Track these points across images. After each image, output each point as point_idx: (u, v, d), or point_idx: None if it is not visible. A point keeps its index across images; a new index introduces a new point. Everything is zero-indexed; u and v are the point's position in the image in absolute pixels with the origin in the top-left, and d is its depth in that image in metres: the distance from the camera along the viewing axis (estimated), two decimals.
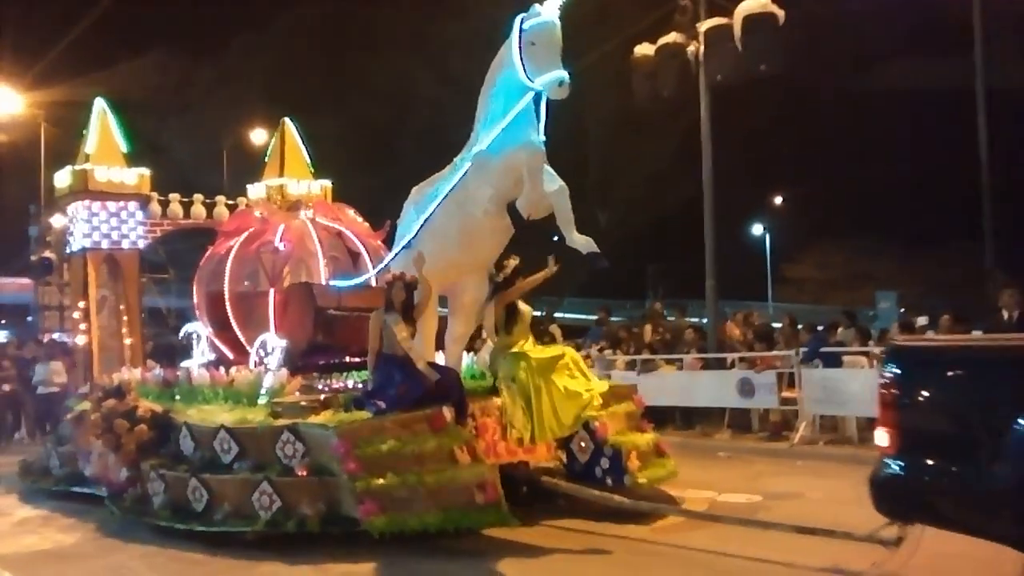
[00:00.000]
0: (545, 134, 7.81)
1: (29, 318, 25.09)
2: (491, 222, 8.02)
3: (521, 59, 7.54)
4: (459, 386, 7.95)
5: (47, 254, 19.88)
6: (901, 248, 33.31)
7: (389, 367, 7.83)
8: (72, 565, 7.43)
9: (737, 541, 6.92)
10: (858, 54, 31.34)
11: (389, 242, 9.86)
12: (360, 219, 11.09)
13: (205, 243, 11.93)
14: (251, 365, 9.79)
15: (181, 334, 11.63)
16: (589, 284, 25.86)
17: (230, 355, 10.77)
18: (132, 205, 12.09)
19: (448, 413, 7.54)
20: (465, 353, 9.46)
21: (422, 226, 8.51)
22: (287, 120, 13.38)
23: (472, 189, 8.05)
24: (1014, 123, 22.83)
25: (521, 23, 7.60)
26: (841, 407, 11.79)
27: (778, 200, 40.04)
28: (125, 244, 12.05)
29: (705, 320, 15.95)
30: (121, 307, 12.08)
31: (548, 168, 7.57)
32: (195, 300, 11.14)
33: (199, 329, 11.20)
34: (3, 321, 33.65)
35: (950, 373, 4.83)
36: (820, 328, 14.25)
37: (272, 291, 10.25)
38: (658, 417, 10.47)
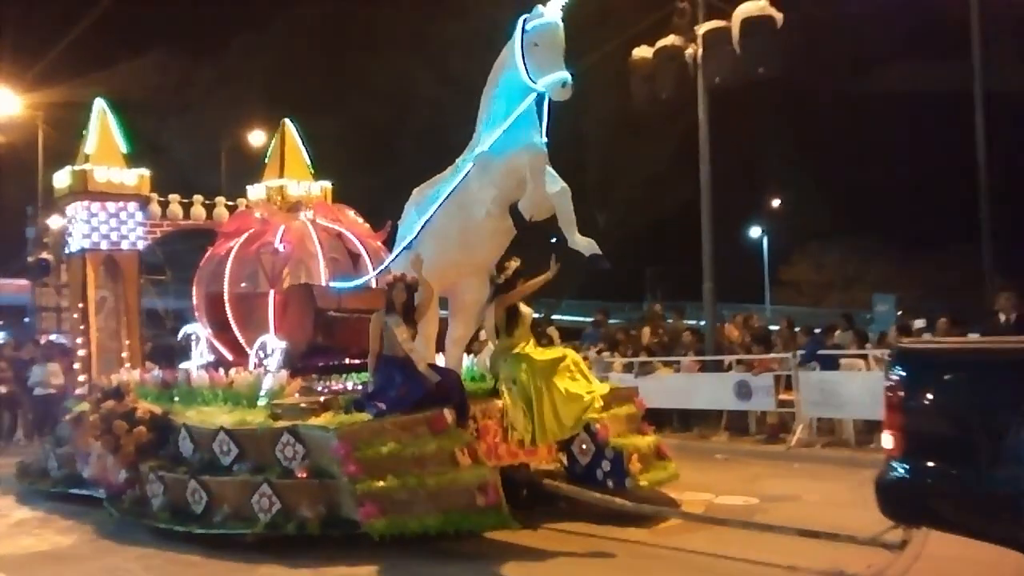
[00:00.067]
0: (545, 135, 7.80)
1: (26, 319, 25.04)
2: (493, 223, 8.00)
3: (524, 60, 7.54)
4: (460, 388, 7.94)
5: (44, 255, 19.79)
6: (899, 251, 33.36)
7: (390, 369, 7.81)
8: (68, 566, 7.40)
9: (737, 544, 6.91)
10: (856, 57, 31.40)
11: (390, 243, 9.84)
12: (360, 220, 11.06)
13: (203, 244, 11.90)
14: (251, 367, 9.76)
15: (180, 335, 11.61)
16: (587, 286, 25.88)
17: (229, 356, 10.73)
18: (132, 206, 12.04)
19: (449, 415, 7.53)
20: (465, 355, 9.45)
21: (423, 227, 8.49)
22: (287, 121, 13.36)
23: (474, 190, 8.03)
24: (1012, 126, 22.89)
25: (524, 24, 7.60)
26: (838, 410, 11.81)
27: (776, 203, 40.10)
28: (124, 245, 12.00)
29: (703, 323, 15.94)
30: (120, 308, 12.03)
31: (550, 169, 7.57)
32: (194, 301, 11.10)
33: (198, 330, 11.17)
34: (0, 322, 33.57)
35: (956, 376, 4.82)
36: (817, 331, 14.26)
37: (272, 292, 10.23)
38: (656, 419, 10.47)
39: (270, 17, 31.48)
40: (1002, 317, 10.25)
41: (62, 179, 12.22)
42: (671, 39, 14.50)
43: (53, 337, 17.78)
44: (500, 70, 7.91)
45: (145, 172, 12.21)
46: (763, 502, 8.70)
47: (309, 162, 13.23)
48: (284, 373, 8.97)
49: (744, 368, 13.11)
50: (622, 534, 7.42)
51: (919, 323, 13.71)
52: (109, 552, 7.73)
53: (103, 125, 12.17)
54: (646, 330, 16.59)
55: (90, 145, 12.06)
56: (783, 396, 12.40)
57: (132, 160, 12.33)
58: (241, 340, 10.43)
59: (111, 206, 11.95)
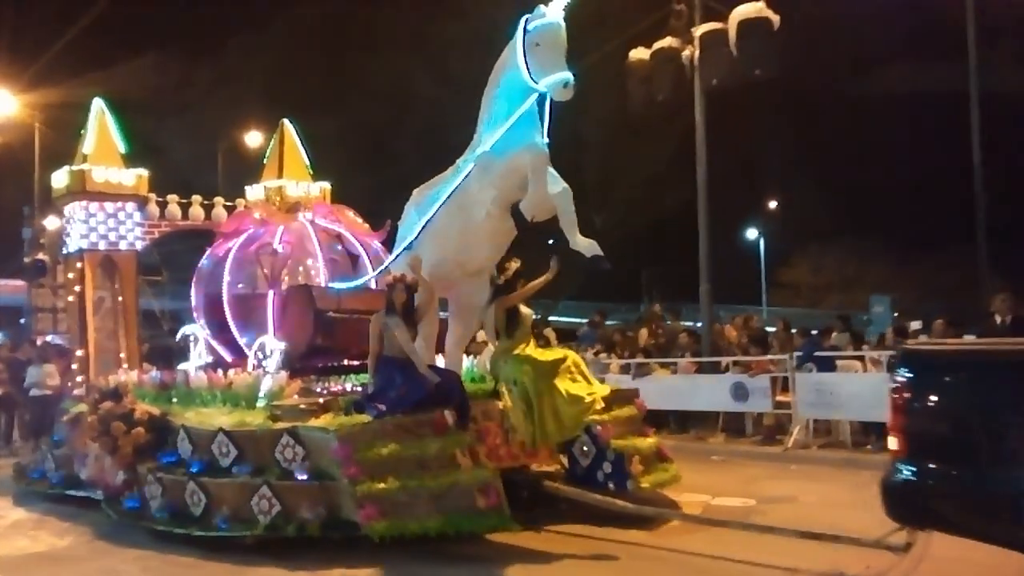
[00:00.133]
0: (549, 135, 7.78)
1: (22, 320, 24.97)
2: (493, 224, 7.98)
3: (525, 60, 7.50)
4: (461, 389, 7.91)
5: (41, 256, 19.79)
6: (896, 252, 33.38)
7: (390, 370, 7.79)
8: (65, 568, 7.37)
9: (736, 545, 6.91)
10: (853, 58, 31.47)
11: (389, 243, 9.81)
12: (360, 221, 11.03)
13: (200, 245, 11.87)
14: (249, 368, 9.73)
15: (178, 336, 11.58)
16: (584, 288, 25.86)
17: (228, 357, 10.71)
18: (130, 206, 12.00)
19: (450, 417, 7.51)
20: (465, 356, 9.42)
21: (423, 228, 8.46)
22: (286, 121, 13.32)
23: (475, 191, 8.00)
24: (1010, 127, 22.94)
25: (525, 24, 7.56)
26: (835, 411, 11.84)
27: (772, 204, 40.15)
28: (122, 245, 11.96)
29: (699, 324, 15.95)
30: (118, 309, 11.99)
31: (551, 170, 7.54)
32: (193, 302, 11.08)
33: (196, 331, 11.14)
34: None
35: (961, 377, 4.80)
36: (814, 332, 14.28)
37: (271, 293, 10.20)
38: (653, 421, 10.45)
39: (269, 17, 31.46)
40: (998, 319, 10.26)
41: (60, 179, 12.18)
42: (668, 41, 14.52)
43: (49, 338, 17.71)
44: (501, 70, 7.87)
45: (143, 172, 12.17)
46: (760, 503, 8.71)
47: (308, 163, 13.19)
48: (283, 374, 8.94)
49: (741, 369, 13.12)
50: (624, 536, 7.41)
51: (915, 325, 13.75)
52: (106, 553, 7.70)
53: (101, 125, 12.12)
54: (643, 331, 16.59)
55: (88, 145, 12.02)
56: (780, 397, 12.42)
57: (130, 160, 12.29)
58: (240, 341, 10.40)
59: (109, 206, 11.91)
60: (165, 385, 9.81)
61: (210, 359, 10.89)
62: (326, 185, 13.21)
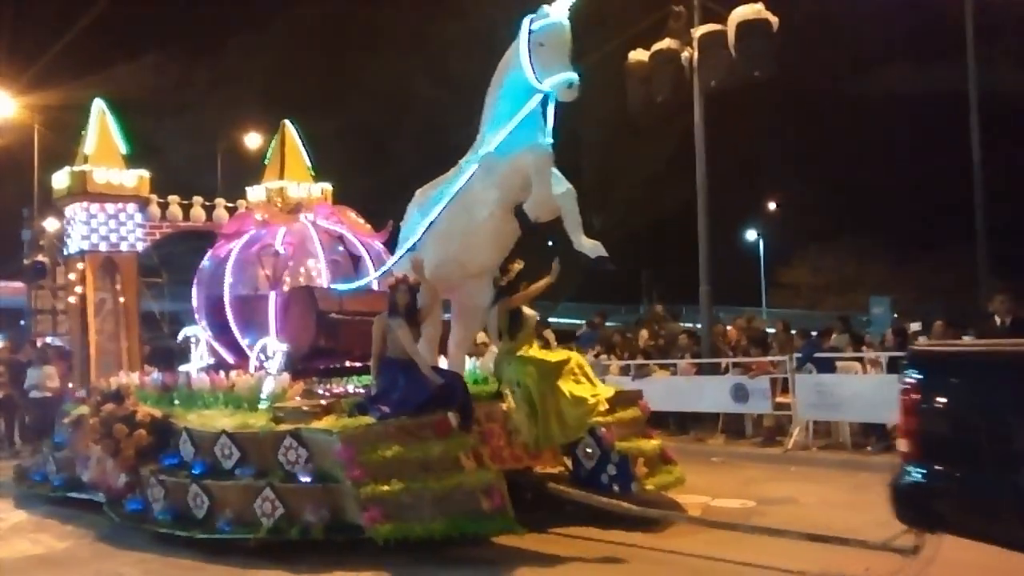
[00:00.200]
0: (552, 136, 7.75)
1: (22, 322, 24.94)
2: (497, 225, 7.95)
3: (530, 60, 7.47)
4: (464, 391, 7.86)
5: (40, 258, 19.81)
6: (895, 253, 33.42)
7: (393, 371, 7.76)
8: (64, 571, 7.35)
9: (736, 547, 6.90)
10: (852, 59, 31.50)
11: (391, 244, 9.79)
12: (362, 222, 11.01)
13: (200, 247, 11.84)
14: (251, 369, 9.71)
15: (179, 338, 11.55)
16: (583, 289, 25.87)
17: (230, 359, 10.69)
18: (131, 207, 11.99)
19: (453, 419, 7.48)
20: (468, 357, 9.39)
21: (426, 229, 8.43)
22: (287, 122, 13.31)
23: (478, 191, 7.96)
24: (1009, 128, 22.96)
25: (530, 24, 7.53)
26: (835, 412, 11.82)
27: (772, 205, 40.17)
28: (123, 247, 11.94)
29: (699, 325, 15.94)
30: (118, 310, 11.96)
31: (555, 171, 7.52)
32: (194, 303, 11.05)
33: (198, 333, 11.12)
34: None
35: (972, 378, 4.77)
36: (814, 334, 14.28)
37: (273, 294, 10.17)
38: (652, 422, 10.44)
39: (269, 17, 31.43)
40: (998, 320, 10.23)
41: (61, 180, 12.15)
42: (667, 42, 14.50)
43: (49, 340, 17.71)
44: (505, 70, 7.83)
45: (145, 173, 12.15)
46: (760, 505, 8.70)
47: (309, 164, 13.18)
48: (285, 376, 8.91)
49: (741, 371, 13.11)
50: (628, 538, 7.38)
51: (915, 326, 13.74)
52: (106, 556, 7.68)
53: (102, 126, 12.11)
54: (644, 332, 16.58)
55: (89, 146, 12.00)
56: (780, 399, 12.41)
57: (130, 161, 12.27)
58: (242, 343, 10.37)
59: (110, 207, 11.90)
60: (167, 387, 9.77)
61: (212, 361, 10.87)
62: (327, 186, 13.20)
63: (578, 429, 7.95)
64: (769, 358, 12.94)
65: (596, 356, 15.10)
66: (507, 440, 8.04)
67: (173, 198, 12.25)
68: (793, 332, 14.60)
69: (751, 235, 41.35)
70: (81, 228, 11.82)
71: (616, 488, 7.92)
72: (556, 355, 8.40)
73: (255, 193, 13.03)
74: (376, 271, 10.17)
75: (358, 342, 8.90)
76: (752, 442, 12.76)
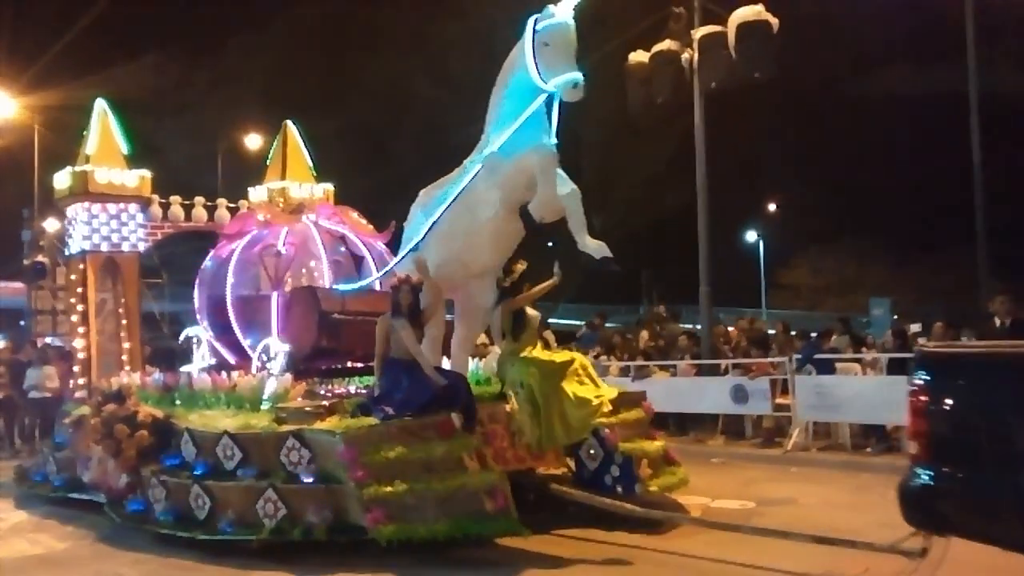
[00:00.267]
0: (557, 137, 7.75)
1: (22, 322, 24.92)
2: (501, 225, 7.94)
3: (534, 60, 7.45)
4: (467, 391, 7.83)
5: (40, 258, 19.77)
6: (895, 254, 33.44)
7: (396, 372, 7.75)
8: (63, 571, 7.34)
9: (736, 548, 6.89)
10: (852, 60, 31.51)
11: (394, 245, 9.78)
12: (364, 222, 11.00)
13: (200, 247, 11.83)
14: (253, 370, 9.69)
15: (181, 338, 11.53)
16: (583, 290, 25.86)
17: (232, 360, 10.67)
18: (132, 207, 11.97)
19: (457, 419, 7.46)
20: (470, 358, 9.38)
21: (430, 229, 8.42)
22: (289, 123, 13.29)
23: (482, 191, 7.95)
24: (1010, 129, 22.97)
25: (534, 23, 7.51)
26: (834, 413, 11.84)
27: (772, 206, 40.18)
28: (125, 247, 11.91)
29: (699, 326, 15.95)
30: (120, 311, 11.94)
31: (560, 171, 7.50)
32: (196, 304, 11.03)
33: (200, 333, 11.10)
34: None
35: (982, 380, 4.75)
36: (814, 335, 14.28)
37: (275, 295, 10.16)
38: (653, 423, 10.44)
39: (269, 17, 31.41)
40: (997, 321, 10.24)
41: (62, 180, 12.13)
42: (667, 43, 14.52)
43: (49, 340, 17.69)
44: (510, 70, 7.81)
45: (146, 173, 12.12)
46: (760, 506, 8.69)
47: (311, 164, 13.16)
48: (288, 376, 8.89)
49: (741, 372, 13.11)
50: (632, 540, 7.36)
51: (915, 327, 13.75)
52: (105, 557, 7.67)
53: (104, 126, 12.08)
54: (644, 333, 16.59)
55: (91, 146, 11.97)
56: (779, 400, 12.42)
57: (131, 161, 12.25)
58: (244, 343, 10.36)
59: (112, 207, 11.87)
60: (168, 387, 9.76)
61: (213, 361, 10.86)
62: (329, 186, 13.19)
63: (581, 430, 7.94)
64: (769, 359, 12.95)
65: (596, 357, 15.08)
66: (510, 441, 7.99)
67: (175, 198, 12.24)
68: (793, 333, 14.59)
69: (751, 236, 41.35)
70: (82, 228, 11.79)
71: (620, 490, 7.88)
72: (560, 356, 8.39)
73: (257, 193, 13.01)
74: (378, 271, 10.15)
75: (360, 342, 8.88)
76: (752, 443, 12.77)
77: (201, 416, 8.76)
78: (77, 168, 11.90)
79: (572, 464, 8.37)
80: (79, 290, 11.97)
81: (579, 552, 7.13)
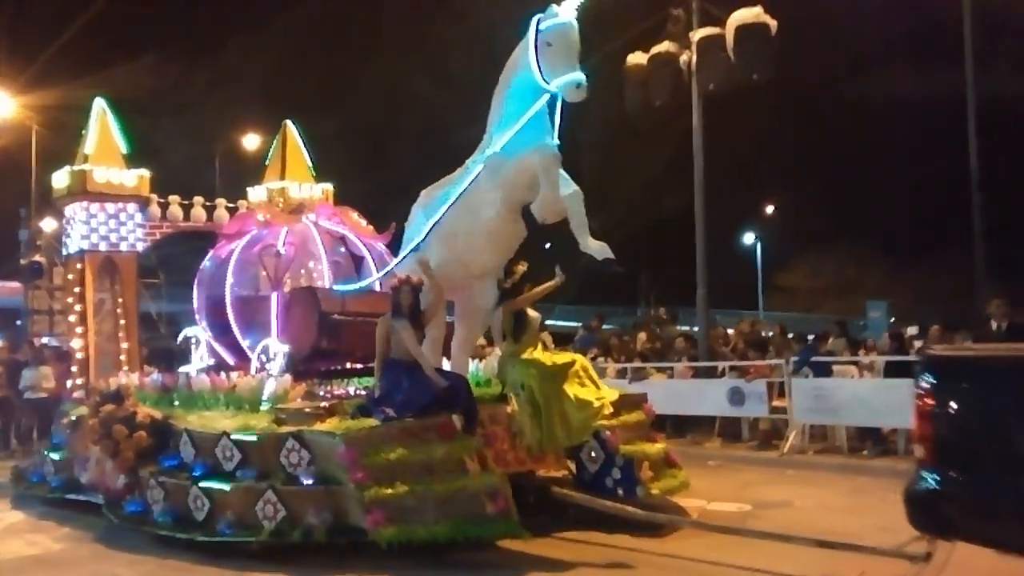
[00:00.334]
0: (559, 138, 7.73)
1: (18, 322, 24.85)
2: (503, 226, 7.91)
3: (537, 60, 7.43)
4: (468, 393, 7.81)
5: (37, 258, 19.71)
6: (893, 257, 33.52)
7: (396, 373, 7.72)
8: (58, 571, 7.30)
9: (736, 550, 6.87)
10: (851, 63, 31.57)
11: (394, 246, 9.75)
12: (364, 223, 10.98)
13: (197, 248, 11.81)
14: (252, 371, 9.66)
15: (179, 338, 11.49)
16: (581, 291, 25.85)
17: (231, 360, 10.64)
18: (131, 207, 11.94)
19: (458, 421, 7.43)
20: (471, 360, 9.35)
21: (431, 229, 8.39)
22: (289, 123, 13.27)
23: (484, 192, 7.92)
24: (1009, 132, 23.00)
25: (537, 24, 7.49)
26: (831, 416, 11.83)
27: (770, 208, 40.23)
28: (123, 247, 11.88)
29: (696, 328, 15.95)
30: (118, 311, 11.90)
31: (562, 172, 7.49)
32: (195, 304, 11.00)
33: (198, 334, 11.06)
34: None
35: (989, 383, 4.73)
36: (811, 338, 14.29)
37: (275, 295, 10.13)
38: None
39: (268, 18, 31.41)
40: (994, 324, 10.26)
41: (61, 179, 12.09)
42: (665, 45, 14.53)
43: (46, 340, 17.63)
44: (512, 70, 7.79)
45: (145, 173, 12.10)
46: (756, 508, 8.67)
47: (311, 164, 13.14)
48: (287, 377, 8.86)
49: (737, 374, 13.10)
50: (633, 543, 7.33)
51: (912, 330, 13.76)
52: (101, 557, 7.64)
53: (103, 125, 12.06)
54: (642, 335, 16.57)
55: (89, 145, 11.94)
56: (776, 403, 12.41)
57: (130, 161, 12.22)
58: (243, 343, 10.32)
59: (110, 207, 11.85)
60: (167, 388, 9.73)
61: (212, 362, 10.82)
62: (328, 187, 13.16)
63: (582, 432, 7.92)
64: (766, 362, 12.94)
65: (593, 359, 15.05)
66: (511, 443, 7.97)
67: (174, 198, 12.21)
68: (790, 336, 14.59)
69: (749, 238, 41.40)
70: (81, 228, 11.76)
71: (621, 492, 7.86)
72: (561, 357, 8.37)
73: (256, 193, 12.99)
74: (378, 272, 10.12)
75: (360, 343, 8.86)
76: (748, 446, 12.77)
77: (200, 417, 8.73)
78: (76, 167, 11.87)
79: (573, 466, 8.34)
80: (77, 290, 11.93)
81: (580, 555, 7.09)
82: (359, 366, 9.79)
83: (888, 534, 6.21)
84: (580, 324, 20.12)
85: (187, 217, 12.24)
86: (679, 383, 13.82)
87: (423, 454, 7.17)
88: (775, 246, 39.95)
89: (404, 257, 8.75)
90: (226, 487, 7.58)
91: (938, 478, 4.70)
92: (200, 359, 10.90)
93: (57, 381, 13.75)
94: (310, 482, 7.28)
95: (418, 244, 8.49)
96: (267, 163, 13.46)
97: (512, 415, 8.00)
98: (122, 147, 12.10)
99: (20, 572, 7.33)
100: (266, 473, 7.49)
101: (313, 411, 7.90)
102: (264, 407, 8.51)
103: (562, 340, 16.94)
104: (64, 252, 12.69)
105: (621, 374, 14.34)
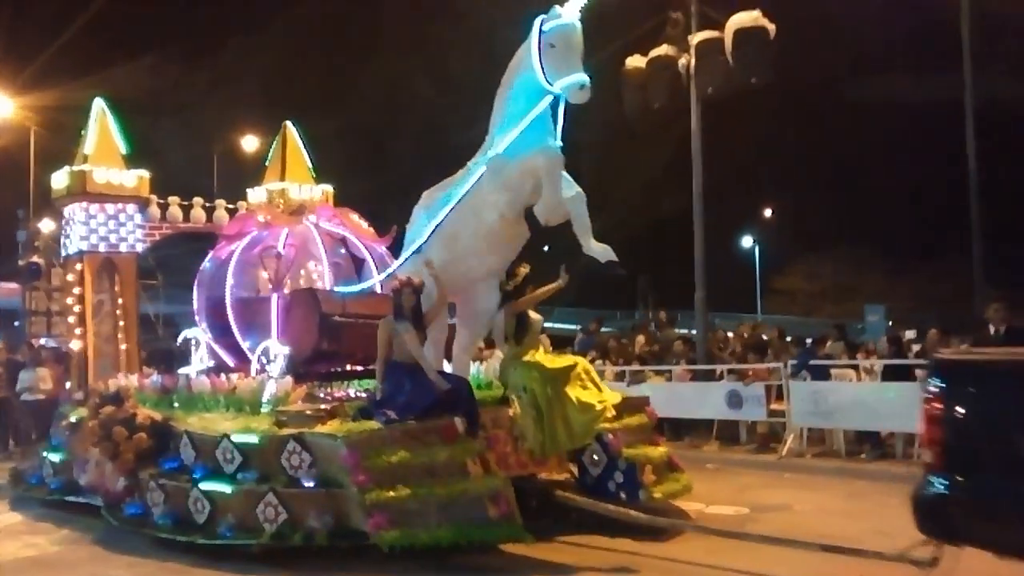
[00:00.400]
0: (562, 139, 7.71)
1: (16, 323, 24.80)
2: (505, 228, 7.89)
3: (540, 62, 7.41)
4: (470, 396, 7.78)
5: (35, 259, 19.61)
6: (891, 261, 33.54)
7: (398, 375, 7.68)
8: (56, 573, 7.28)
9: (732, 553, 6.88)
10: (849, 67, 31.60)
11: (395, 248, 9.72)
12: (365, 224, 10.96)
13: (196, 249, 11.78)
14: (253, 372, 9.62)
15: (179, 340, 11.45)
16: (580, 294, 25.85)
17: (231, 362, 10.59)
18: (131, 208, 11.91)
19: (460, 424, 7.39)
20: (472, 362, 9.32)
21: (433, 231, 8.36)
22: (289, 123, 13.24)
23: (486, 193, 7.89)
24: (1007, 137, 23.03)
25: (540, 25, 7.47)
26: (829, 420, 11.80)
27: (768, 212, 40.28)
28: (123, 247, 11.85)
29: (694, 331, 15.94)
30: (117, 312, 11.87)
31: (565, 174, 7.46)
32: (195, 305, 10.95)
33: (198, 335, 11.02)
34: None
35: (998, 387, 4.71)
36: (809, 342, 14.27)
37: (275, 297, 10.09)
38: None
39: (268, 18, 31.40)
40: (992, 328, 10.24)
41: (60, 180, 12.06)
42: (664, 49, 14.56)
43: (43, 341, 17.56)
44: (515, 71, 7.76)
45: (145, 173, 12.07)
46: (754, 512, 8.65)
47: (311, 165, 13.11)
48: (288, 379, 8.82)
49: (736, 377, 13.09)
50: (636, 547, 7.30)
51: (910, 334, 13.75)
52: (98, 559, 7.61)
53: (102, 125, 12.03)
54: (640, 337, 16.56)
55: (89, 145, 11.91)
56: (774, 406, 12.39)
57: (129, 162, 12.18)
58: (243, 345, 10.28)
59: (110, 208, 11.82)
60: (167, 389, 9.68)
61: (212, 363, 10.78)
62: (328, 188, 13.14)
63: (585, 435, 7.89)
64: (764, 365, 12.94)
65: (591, 362, 15.02)
66: (513, 446, 7.94)
67: (173, 199, 12.18)
68: (788, 339, 14.58)
69: (747, 241, 41.45)
70: (80, 228, 11.72)
71: (623, 496, 7.84)
72: (563, 360, 8.35)
73: (256, 194, 12.96)
74: (379, 274, 10.09)
75: (361, 345, 8.81)
76: (746, 449, 12.76)
77: (200, 419, 8.68)
78: (75, 168, 11.84)
79: (575, 470, 8.31)
80: (76, 291, 11.90)
81: (583, 559, 7.06)
82: (360, 368, 9.74)
83: (886, 538, 6.19)
84: (579, 327, 20.12)
85: (187, 218, 12.22)
86: (677, 386, 13.79)
87: (425, 457, 7.13)
88: (774, 249, 40.02)
89: (406, 259, 8.71)
90: (227, 489, 7.53)
91: (947, 482, 4.68)
92: (200, 361, 10.85)
93: (55, 383, 13.70)
94: (311, 485, 7.23)
95: (420, 246, 8.46)
96: (267, 164, 13.44)
97: (514, 418, 7.96)
98: (121, 148, 12.07)
99: (18, 574, 7.30)
100: (267, 475, 7.44)
101: (314, 413, 7.85)
102: (265, 409, 8.45)
103: (561, 343, 16.92)
104: (63, 253, 12.64)
105: (619, 377, 14.32)
